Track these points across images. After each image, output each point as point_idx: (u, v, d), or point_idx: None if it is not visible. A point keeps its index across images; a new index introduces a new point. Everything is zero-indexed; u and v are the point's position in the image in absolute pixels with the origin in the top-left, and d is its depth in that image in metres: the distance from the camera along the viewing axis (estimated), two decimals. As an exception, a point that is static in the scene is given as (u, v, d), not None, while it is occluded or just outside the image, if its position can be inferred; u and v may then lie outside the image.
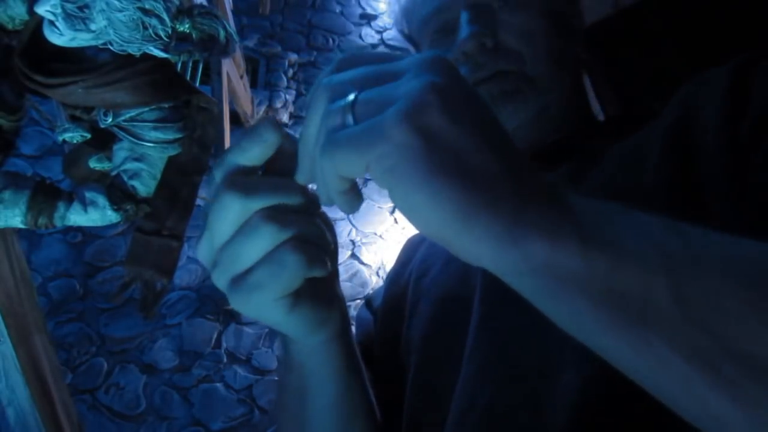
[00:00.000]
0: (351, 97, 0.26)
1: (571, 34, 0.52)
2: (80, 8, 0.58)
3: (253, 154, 0.31)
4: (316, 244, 0.31)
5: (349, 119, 0.25)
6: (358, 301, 3.03)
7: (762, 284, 0.22)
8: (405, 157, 0.24)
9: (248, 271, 0.30)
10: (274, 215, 0.30)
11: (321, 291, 0.34)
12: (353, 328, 0.59)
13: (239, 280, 0.30)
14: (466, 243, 0.24)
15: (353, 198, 0.29)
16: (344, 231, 3.19)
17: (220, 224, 0.30)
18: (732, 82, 0.36)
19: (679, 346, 0.22)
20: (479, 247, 0.24)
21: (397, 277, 0.57)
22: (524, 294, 0.25)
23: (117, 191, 0.80)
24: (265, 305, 0.31)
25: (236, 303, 0.31)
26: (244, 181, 0.30)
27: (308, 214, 0.32)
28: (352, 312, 3.07)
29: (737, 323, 0.21)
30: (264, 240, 0.29)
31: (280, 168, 0.32)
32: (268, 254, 0.30)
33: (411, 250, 0.58)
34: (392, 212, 3.37)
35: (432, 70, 0.25)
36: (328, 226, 0.35)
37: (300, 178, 0.31)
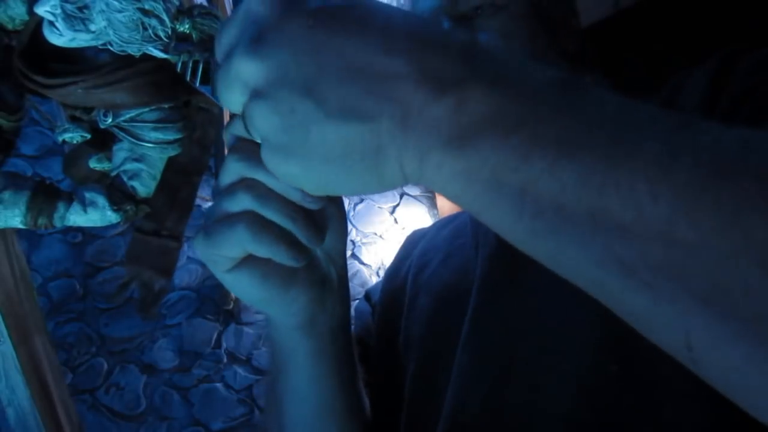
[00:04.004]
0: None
1: (557, 32, 0.52)
2: (80, 9, 0.58)
3: None
4: (280, 229, 0.34)
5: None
6: (358, 301, 3.03)
7: (697, 187, 0.19)
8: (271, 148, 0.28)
9: (212, 222, 0.34)
10: (255, 188, 0.33)
11: (285, 272, 0.37)
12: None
13: (205, 227, 0.34)
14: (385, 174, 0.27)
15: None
16: (344, 231, 3.19)
17: (220, 182, 0.35)
18: (716, 71, 0.36)
19: (591, 254, 0.21)
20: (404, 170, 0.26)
21: (396, 271, 0.57)
22: (463, 207, 0.26)
23: (117, 192, 0.80)
24: (213, 258, 0.35)
25: (196, 245, 0.35)
26: (252, 150, 0.32)
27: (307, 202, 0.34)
28: (352, 311, 3.05)
29: (657, 231, 0.20)
30: (234, 204, 0.33)
31: None
32: (231, 214, 0.33)
33: (411, 244, 0.58)
34: (392, 212, 3.37)
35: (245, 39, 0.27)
36: (325, 218, 0.37)
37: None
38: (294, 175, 0.28)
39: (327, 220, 0.37)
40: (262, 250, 0.34)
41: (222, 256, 0.34)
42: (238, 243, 0.33)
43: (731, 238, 0.18)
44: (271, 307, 0.38)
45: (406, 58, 0.24)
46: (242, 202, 0.33)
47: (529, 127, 0.22)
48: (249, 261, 0.35)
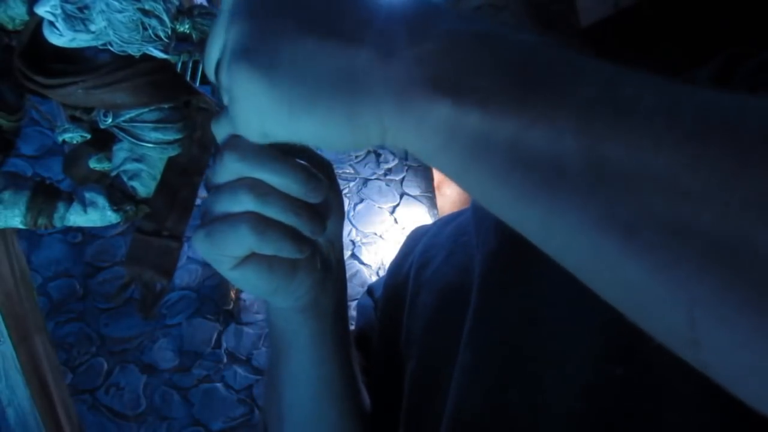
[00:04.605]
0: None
1: (557, 32, 0.52)
2: (80, 9, 0.58)
3: None
4: (283, 225, 0.33)
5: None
6: (361, 296, 3.03)
7: (700, 138, 0.19)
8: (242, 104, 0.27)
9: (212, 221, 0.33)
10: (257, 188, 0.32)
11: (289, 261, 0.36)
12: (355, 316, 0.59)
13: (204, 225, 0.33)
14: (366, 128, 0.25)
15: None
16: (344, 231, 3.19)
17: (215, 179, 0.34)
18: (718, 72, 0.35)
19: (591, 213, 0.20)
20: (377, 128, 0.24)
21: (398, 267, 0.57)
22: (439, 168, 0.24)
23: (117, 192, 0.80)
24: (217, 258, 0.34)
25: (196, 244, 0.34)
26: (249, 148, 0.32)
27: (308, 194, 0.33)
28: (352, 312, 3.06)
29: (661, 184, 0.19)
30: (235, 204, 0.32)
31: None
32: (231, 214, 0.33)
33: (413, 241, 0.58)
34: (392, 212, 3.37)
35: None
36: (327, 208, 0.37)
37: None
38: (254, 93, 0.26)
39: (329, 209, 0.37)
40: (267, 248, 0.33)
41: (226, 256, 0.34)
42: (243, 243, 0.33)
43: (737, 190, 0.18)
44: (276, 296, 0.38)
45: None
46: (244, 203, 0.32)
47: (522, 73, 0.21)
48: (254, 256, 0.34)
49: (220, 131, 0.33)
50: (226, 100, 0.29)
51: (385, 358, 0.52)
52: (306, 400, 0.44)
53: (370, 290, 0.60)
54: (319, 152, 0.37)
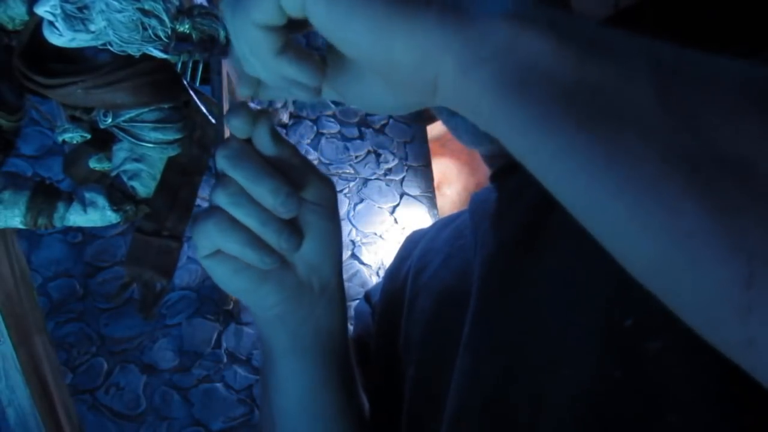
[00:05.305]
0: None
1: None
2: (80, 9, 0.58)
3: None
4: (248, 231, 0.36)
5: None
6: (358, 301, 3.03)
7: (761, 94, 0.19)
8: None
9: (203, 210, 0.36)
10: (230, 186, 0.35)
11: (257, 270, 0.38)
12: (353, 322, 0.59)
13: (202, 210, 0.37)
14: (418, 37, 0.23)
15: (294, 62, 0.28)
16: (344, 231, 3.19)
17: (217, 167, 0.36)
18: None
19: (656, 144, 0.19)
20: (432, 36, 0.23)
21: (395, 272, 0.57)
22: (485, 94, 0.23)
23: (117, 192, 0.80)
24: (194, 243, 0.37)
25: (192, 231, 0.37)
26: (237, 146, 0.34)
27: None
28: (352, 312, 3.05)
29: (726, 123, 0.19)
30: (215, 198, 0.36)
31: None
32: (213, 206, 0.36)
33: (411, 244, 0.58)
34: (392, 212, 3.37)
35: None
36: (304, 228, 0.39)
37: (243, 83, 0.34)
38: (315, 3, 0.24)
39: (307, 229, 0.38)
40: (228, 248, 0.36)
41: (200, 245, 0.36)
42: (208, 237, 0.35)
43: None
44: (244, 298, 0.40)
45: None
46: (219, 199, 0.35)
47: (582, 31, 0.22)
48: (221, 253, 0.37)
49: (234, 122, 0.34)
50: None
51: (385, 364, 0.51)
52: (290, 410, 0.44)
53: (368, 296, 0.60)
54: (323, 174, 0.39)
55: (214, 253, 0.36)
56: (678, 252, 0.18)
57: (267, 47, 0.27)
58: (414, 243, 0.57)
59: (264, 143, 0.36)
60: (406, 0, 0.23)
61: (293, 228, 0.37)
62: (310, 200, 0.38)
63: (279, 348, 0.42)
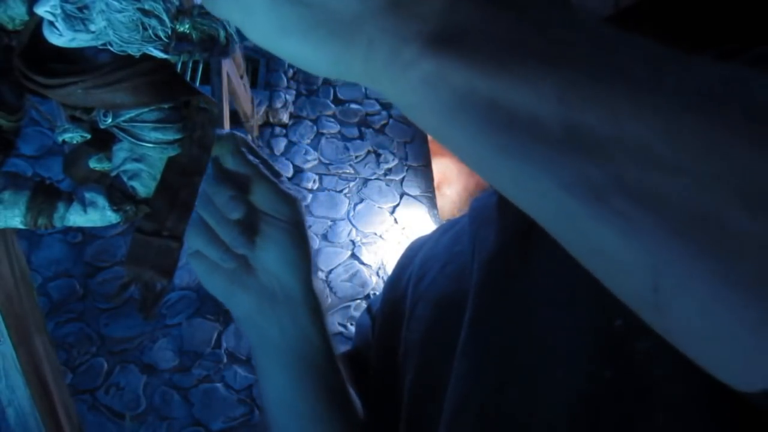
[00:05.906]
0: None
1: None
2: (80, 9, 0.58)
3: None
4: (215, 234, 0.45)
5: None
6: (358, 301, 3.03)
7: (678, 108, 0.18)
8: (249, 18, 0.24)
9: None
10: (204, 192, 0.45)
11: (226, 273, 0.46)
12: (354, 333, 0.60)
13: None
14: (354, 69, 0.24)
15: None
16: (344, 231, 3.19)
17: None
18: None
19: (561, 175, 0.20)
20: (361, 68, 0.23)
21: (396, 280, 0.57)
22: (416, 121, 0.24)
23: (116, 192, 0.80)
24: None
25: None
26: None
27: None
28: (352, 312, 3.07)
29: (635, 151, 0.18)
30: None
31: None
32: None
33: (411, 253, 0.58)
34: (392, 212, 3.37)
35: None
36: (257, 230, 0.46)
37: None
38: None
39: (265, 238, 0.45)
40: (199, 246, 0.44)
41: (187, 243, 0.45)
42: (188, 236, 0.44)
43: (712, 162, 0.18)
44: (218, 296, 0.47)
45: None
46: (197, 204, 0.44)
47: (513, 35, 0.21)
48: (200, 253, 0.45)
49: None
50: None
51: (385, 374, 0.51)
52: (269, 400, 0.49)
53: (369, 308, 0.60)
54: (285, 189, 0.46)
55: (195, 252, 0.44)
56: (596, 262, 0.22)
57: None
58: (415, 251, 0.57)
59: (225, 161, 0.46)
60: (332, 34, 0.23)
61: (248, 232, 0.44)
62: (270, 213, 0.45)
63: (252, 345, 0.49)
